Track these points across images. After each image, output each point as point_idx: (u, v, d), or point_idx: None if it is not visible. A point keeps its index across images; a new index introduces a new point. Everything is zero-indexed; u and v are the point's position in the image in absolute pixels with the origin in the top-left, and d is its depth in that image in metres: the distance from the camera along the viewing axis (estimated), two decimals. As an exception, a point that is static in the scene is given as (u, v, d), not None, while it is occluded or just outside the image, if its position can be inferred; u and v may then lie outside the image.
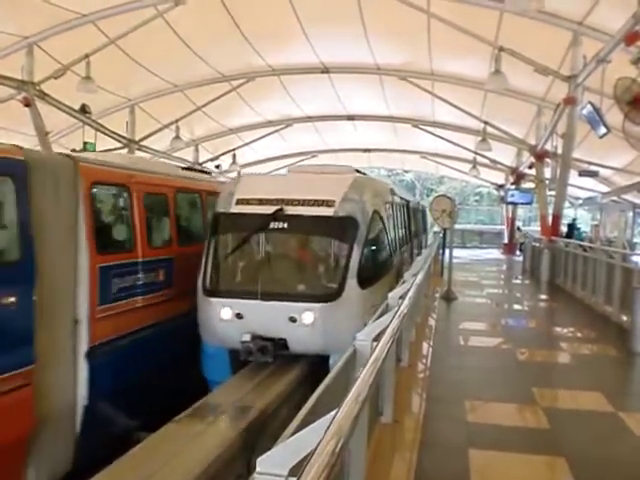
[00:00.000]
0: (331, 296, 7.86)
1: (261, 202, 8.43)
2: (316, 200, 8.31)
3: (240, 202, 8.60)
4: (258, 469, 1.88)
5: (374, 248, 9.13)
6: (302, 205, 8.25)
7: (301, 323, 7.67)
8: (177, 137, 23.10)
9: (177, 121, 22.12)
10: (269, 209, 8.23)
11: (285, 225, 8.16)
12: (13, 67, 15.53)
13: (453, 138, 25.93)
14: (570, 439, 5.12)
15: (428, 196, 44.10)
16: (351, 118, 26.58)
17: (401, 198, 13.94)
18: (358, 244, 8.15)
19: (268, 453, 1.99)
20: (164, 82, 20.63)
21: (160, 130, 21.98)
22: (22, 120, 16.30)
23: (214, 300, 8.06)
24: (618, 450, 4.92)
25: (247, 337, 7.72)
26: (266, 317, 7.78)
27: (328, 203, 8.27)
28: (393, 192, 12.00)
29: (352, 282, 7.93)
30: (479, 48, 15.99)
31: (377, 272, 9.04)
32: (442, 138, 26.00)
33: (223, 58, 19.39)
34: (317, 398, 2.96)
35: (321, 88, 22.32)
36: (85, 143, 16.55)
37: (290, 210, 8.19)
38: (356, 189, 8.61)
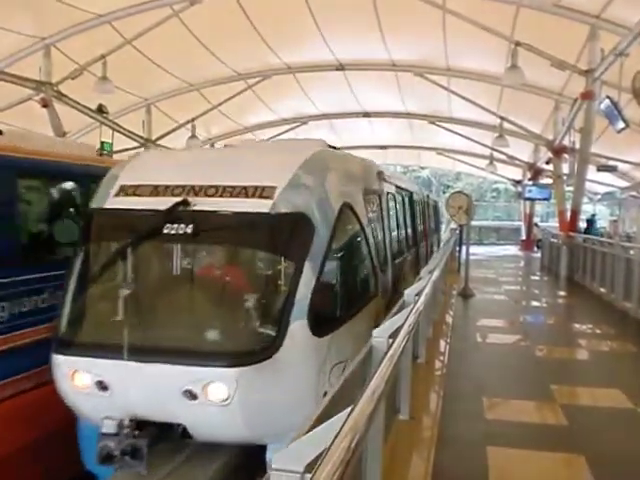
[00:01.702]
0: (259, 352, 4.82)
1: (156, 191, 5.50)
2: (244, 187, 5.34)
3: (123, 191, 5.66)
4: (274, 466, 1.88)
5: (344, 264, 6.02)
6: (220, 195, 5.34)
7: (206, 401, 4.72)
8: (193, 136, 23.18)
9: (193, 120, 22.20)
10: (166, 202, 5.29)
11: (188, 229, 5.16)
12: (31, 68, 15.69)
13: (470, 134, 25.79)
14: (589, 436, 5.08)
15: (444, 193, 43.89)
16: (367, 115, 26.54)
17: (398, 187, 10.59)
18: (313, 260, 5.15)
19: (284, 450, 2.00)
20: (180, 81, 20.74)
21: (176, 129, 22.08)
22: (41, 121, 16.44)
23: (62, 359, 5.09)
24: (638, 447, 4.87)
25: (110, 425, 4.82)
26: (146, 390, 4.83)
27: (263, 192, 5.29)
28: (383, 177, 8.55)
29: (299, 325, 4.95)
30: (495, 43, 15.91)
31: (349, 304, 5.99)
32: (458, 134, 25.87)
33: (239, 57, 19.44)
34: (333, 395, 2.96)
35: (336, 85, 22.31)
36: (102, 143, 16.68)
37: (200, 204, 5.27)
38: (313, 170, 5.64)
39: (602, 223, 30.15)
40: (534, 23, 14.63)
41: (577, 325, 10.96)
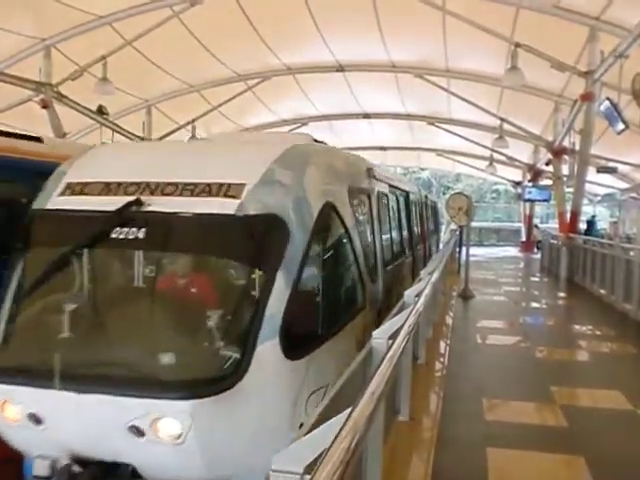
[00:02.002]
0: (220, 381, 4.07)
1: (107, 189, 4.76)
2: (207, 185, 4.63)
3: (69, 190, 4.94)
4: (274, 467, 1.88)
5: (325, 273, 5.27)
6: (180, 194, 4.61)
7: (155, 438, 4.01)
8: (193, 137, 23.17)
9: (193, 121, 22.21)
10: (117, 202, 4.57)
11: (140, 234, 4.45)
12: (31, 69, 15.70)
13: (469, 135, 25.81)
14: (589, 437, 5.08)
15: (445, 194, 43.90)
16: (367, 116, 26.56)
17: (392, 187, 9.79)
18: (287, 269, 4.43)
19: (284, 451, 2.00)
20: (180, 82, 20.76)
21: (177, 130, 22.10)
22: (40, 122, 16.45)
23: None
24: (637, 449, 4.87)
25: (42, 467, 4.21)
26: (85, 424, 4.09)
27: (229, 190, 4.57)
28: (373, 175, 7.69)
29: (269, 347, 4.21)
30: (495, 44, 15.92)
31: (330, 319, 5.18)
32: (458, 135, 25.89)
33: (239, 58, 19.46)
34: (333, 396, 2.96)
35: (336, 86, 22.33)
36: (103, 144, 16.71)
37: (155, 204, 4.56)
38: (289, 165, 4.90)
39: (602, 224, 30.16)
40: (534, 24, 14.64)
41: (577, 326, 10.95)
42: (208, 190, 4.61)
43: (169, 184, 4.68)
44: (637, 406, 5.85)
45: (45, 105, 16.49)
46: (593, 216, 27.28)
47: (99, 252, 4.79)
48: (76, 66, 16.49)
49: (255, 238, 4.66)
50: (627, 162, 23.29)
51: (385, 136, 30.08)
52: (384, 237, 8.14)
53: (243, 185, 4.60)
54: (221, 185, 4.62)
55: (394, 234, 9.63)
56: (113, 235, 4.47)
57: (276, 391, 4.34)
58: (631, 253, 11.68)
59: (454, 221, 14.34)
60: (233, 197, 4.54)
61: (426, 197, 17.32)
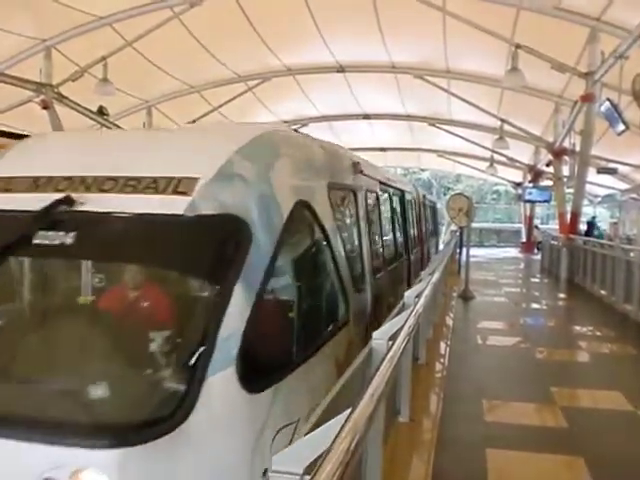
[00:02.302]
0: (157, 423, 3.16)
1: (35, 185, 3.94)
2: (154, 180, 3.82)
3: None
4: (274, 467, 1.88)
5: (297, 285, 4.58)
6: (120, 190, 3.81)
7: None
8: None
9: (194, 122, 22.18)
10: (46, 199, 3.72)
11: (68, 238, 3.62)
12: (32, 70, 15.71)
13: (470, 136, 25.80)
14: (589, 439, 5.08)
15: (445, 195, 43.91)
16: (367, 117, 26.56)
17: (385, 184, 9.01)
18: (247, 281, 3.58)
19: (284, 451, 2.00)
20: (180, 83, 20.77)
21: (177, 131, 22.05)
22: (41, 122, 16.45)
23: None
24: (638, 449, 4.87)
25: None
26: None
27: (178, 186, 3.78)
28: (360, 170, 6.83)
29: (223, 378, 3.34)
30: (495, 45, 15.93)
31: (304, 339, 4.35)
32: (459, 136, 25.88)
33: (239, 59, 19.47)
34: (333, 398, 2.97)
35: (337, 87, 22.34)
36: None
37: (89, 202, 3.75)
38: (254, 157, 4.13)
39: (603, 225, 30.17)
40: (534, 25, 14.64)
41: (577, 327, 10.95)
42: (154, 186, 3.78)
43: (109, 179, 3.83)
44: (637, 407, 5.85)
45: (46, 106, 16.50)
46: (593, 217, 27.32)
47: (17, 261, 4.02)
48: (76, 67, 16.50)
49: (208, 243, 3.80)
50: (627, 163, 23.29)
51: (385, 137, 30.07)
52: (373, 241, 7.33)
53: (196, 179, 3.76)
54: (170, 180, 3.78)
55: (386, 237, 8.90)
56: (36, 240, 3.59)
57: (231, 433, 3.40)
58: (631, 254, 11.69)
59: (454, 222, 14.35)
60: (183, 194, 3.70)
61: (424, 197, 16.69)
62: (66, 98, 16.66)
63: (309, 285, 4.90)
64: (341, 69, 20.99)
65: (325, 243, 5.03)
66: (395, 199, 10.30)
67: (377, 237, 7.87)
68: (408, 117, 26.33)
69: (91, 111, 17.65)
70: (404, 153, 33.57)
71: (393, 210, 9.98)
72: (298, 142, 5.37)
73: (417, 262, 11.99)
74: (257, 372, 3.54)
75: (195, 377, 3.25)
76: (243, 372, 3.37)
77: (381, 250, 8.09)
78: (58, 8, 14.18)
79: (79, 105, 17.12)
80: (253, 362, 3.49)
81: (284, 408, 3.68)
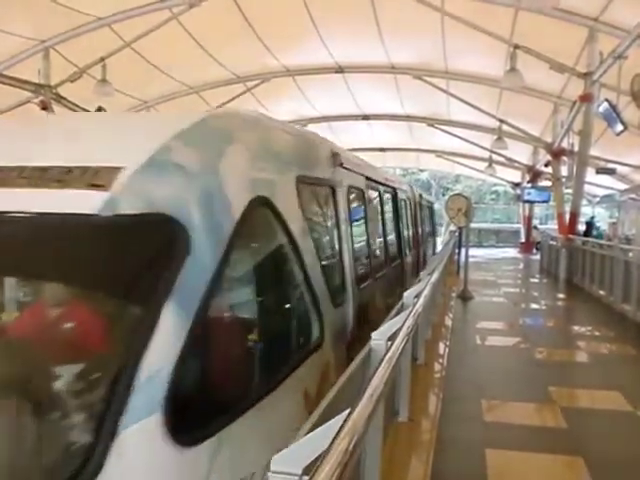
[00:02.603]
0: None
1: None
2: (68, 170, 2.97)
3: None
4: (272, 468, 1.87)
5: (252, 303, 3.73)
6: (29, 184, 2.97)
7: None
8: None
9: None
10: None
11: None
12: (30, 71, 15.71)
13: (469, 137, 25.82)
14: (588, 439, 5.08)
15: (444, 195, 43.95)
16: (366, 118, 26.56)
17: (372, 181, 7.87)
18: (183, 301, 2.74)
19: (282, 452, 1.99)
20: (179, 84, 20.76)
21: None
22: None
23: None
24: (636, 449, 4.87)
25: None
26: None
27: (96, 177, 2.93)
28: (340, 163, 5.74)
29: (144, 428, 2.45)
30: (494, 46, 15.94)
31: (258, 372, 3.59)
32: (457, 137, 25.90)
33: (237, 59, 19.47)
34: (332, 398, 2.96)
35: (336, 88, 22.35)
36: None
37: None
38: (198, 143, 3.35)
39: (602, 226, 30.21)
40: (533, 26, 14.65)
41: (576, 327, 10.97)
42: (65, 177, 2.92)
43: (11, 169, 3.00)
44: (636, 407, 5.85)
45: (44, 107, 16.48)
46: (592, 217, 27.34)
47: None
48: (75, 68, 16.49)
49: (128, 252, 2.94)
50: (626, 163, 23.32)
51: (384, 137, 30.08)
52: (358, 245, 6.49)
53: (118, 169, 2.91)
54: (85, 170, 2.93)
55: (374, 241, 7.88)
56: None
57: None
58: (630, 254, 11.69)
59: (453, 222, 14.35)
60: (99, 188, 2.86)
61: (420, 196, 15.79)
62: (64, 99, 16.65)
63: (268, 302, 3.93)
64: (340, 70, 21.00)
65: (291, 249, 4.04)
66: (386, 198, 9.31)
67: (363, 241, 7.01)
68: (407, 117, 26.34)
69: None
70: (403, 153, 33.60)
71: (383, 210, 8.88)
72: (258, 125, 4.35)
73: (412, 267, 11.27)
74: (193, 419, 2.72)
75: (104, 429, 2.42)
76: (173, 420, 2.53)
77: (367, 256, 7.02)
78: (57, 9, 14.18)
79: (77, 106, 17.11)
80: (187, 406, 2.69)
81: (231, 462, 2.85)
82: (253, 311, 3.75)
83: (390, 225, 9.56)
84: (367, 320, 5.79)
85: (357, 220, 6.79)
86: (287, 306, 4.26)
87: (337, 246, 5.54)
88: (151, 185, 2.95)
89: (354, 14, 16.28)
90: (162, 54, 17.26)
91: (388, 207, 9.56)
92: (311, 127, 26.87)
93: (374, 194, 8.25)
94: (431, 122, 25.68)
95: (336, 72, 21.09)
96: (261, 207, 3.67)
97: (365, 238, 7.11)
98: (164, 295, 2.71)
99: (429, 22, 15.90)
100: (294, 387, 3.65)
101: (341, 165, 5.81)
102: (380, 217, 8.69)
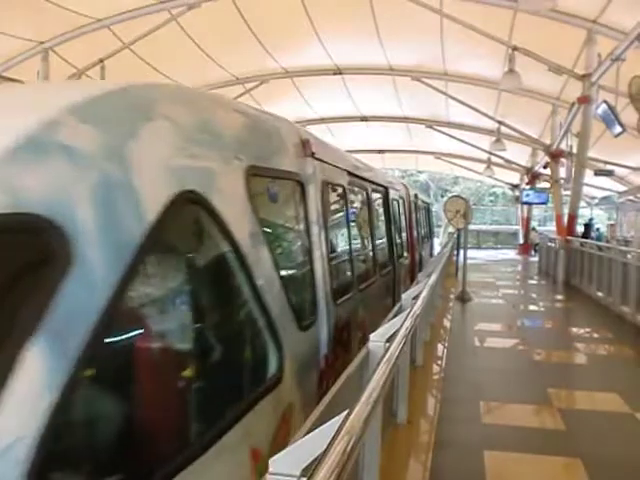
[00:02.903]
0: None
1: None
2: None
3: None
4: (271, 469, 1.87)
5: (170, 340, 2.73)
6: None
7: None
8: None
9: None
10: None
11: None
12: (29, 72, 15.70)
13: (467, 138, 25.86)
14: (586, 440, 5.08)
15: (442, 197, 43.99)
16: (364, 119, 26.58)
17: (355, 177, 6.85)
18: (56, 341, 1.86)
19: (281, 453, 1.99)
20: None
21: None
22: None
23: None
24: (635, 451, 4.87)
25: None
26: None
27: None
28: (311, 152, 4.78)
29: None
30: (492, 48, 15.95)
31: (179, 434, 2.56)
32: (456, 138, 25.93)
33: (236, 61, 19.47)
34: (330, 400, 2.97)
35: (334, 89, 22.36)
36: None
37: None
38: (98, 120, 2.41)
39: (601, 227, 30.27)
40: (531, 28, 14.67)
41: (574, 329, 10.97)
42: None
43: None
44: (634, 409, 5.86)
45: (43, 108, 16.48)
46: (590, 219, 27.38)
47: None
48: (74, 69, 16.48)
49: None
50: (624, 165, 23.35)
51: (383, 139, 30.12)
52: (336, 252, 5.74)
53: None
54: None
55: (359, 246, 7.15)
56: None
57: None
58: (628, 256, 11.71)
59: (452, 224, 14.36)
60: None
61: (416, 196, 14.92)
62: (63, 100, 16.65)
63: (197, 330, 2.90)
64: (338, 71, 21.01)
65: (234, 259, 3.14)
66: (375, 197, 8.36)
67: (343, 247, 6.15)
68: (406, 119, 26.36)
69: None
70: (402, 155, 33.62)
71: (371, 211, 7.83)
72: (193, 100, 3.44)
73: (405, 273, 10.53)
74: None
75: None
76: None
77: (350, 264, 6.11)
78: (56, 11, 14.18)
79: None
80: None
81: None
82: (173, 343, 2.78)
83: (380, 228, 8.66)
84: (349, 340, 5.17)
85: (335, 223, 5.98)
86: (226, 334, 3.14)
87: (306, 254, 4.63)
88: (20, 175, 2.09)
89: (353, 16, 16.29)
90: (161, 56, 17.26)
91: (377, 208, 8.63)
92: (310, 129, 26.88)
93: (359, 192, 7.39)
94: (430, 124, 25.70)
95: (335, 74, 21.10)
96: (190, 205, 2.81)
97: (346, 243, 6.22)
98: (27, 329, 1.88)
99: (428, 24, 15.92)
100: (234, 446, 2.76)
101: (313, 156, 4.81)
102: (367, 219, 7.63)
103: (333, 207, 5.92)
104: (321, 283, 4.64)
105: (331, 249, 5.33)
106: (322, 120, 26.68)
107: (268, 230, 3.86)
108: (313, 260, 4.66)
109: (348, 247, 6.21)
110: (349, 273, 6.07)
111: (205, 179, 2.99)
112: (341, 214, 6.28)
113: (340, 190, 6.13)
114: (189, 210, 2.83)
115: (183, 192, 2.70)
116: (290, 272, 4.34)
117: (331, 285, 4.84)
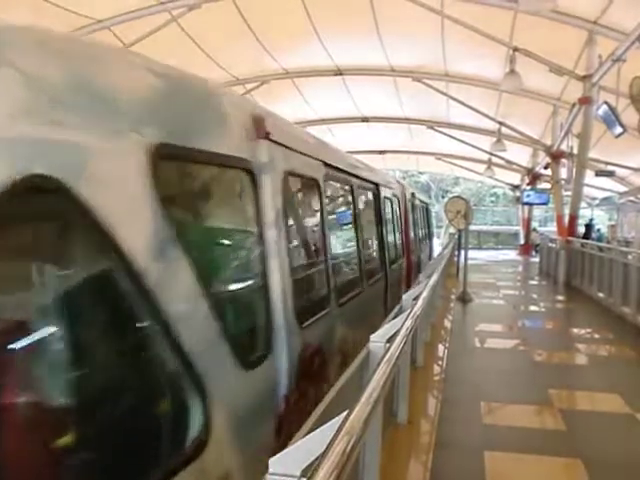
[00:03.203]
0: None
1: None
2: None
3: None
4: (271, 470, 1.87)
5: (32, 395, 1.91)
6: None
7: None
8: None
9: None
10: None
11: None
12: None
13: (468, 139, 25.83)
14: (587, 441, 5.08)
15: (444, 197, 43.99)
16: (365, 120, 26.56)
17: (336, 169, 5.75)
18: None
19: (281, 454, 1.99)
20: (179, 86, 20.75)
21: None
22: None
23: None
24: (635, 452, 4.87)
25: None
26: None
27: None
28: (263, 132, 3.59)
29: None
30: (493, 48, 15.94)
31: None
32: (457, 139, 25.91)
33: (237, 61, 19.47)
34: (330, 400, 2.96)
35: (335, 90, 22.35)
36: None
37: None
38: None
39: (602, 228, 30.26)
40: (532, 29, 14.65)
41: (575, 330, 10.96)
42: None
43: None
44: (635, 409, 5.85)
45: (44, 109, 16.48)
46: (591, 219, 27.37)
47: None
48: (75, 70, 16.51)
49: None
50: (625, 165, 23.33)
51: (384, 140, 30.10)
52: (304, 262, 4.82)
53: None
54: None
55: (338, 252, 6.28)
56: None
57: None
58: (629, 257, 11.70)
59: (453, 224, 14.35)
60: None
61: (413, 195, 13.95)
62: (64, 101, 16.66)
63: (74, 380, 2.13)
64: (339, 72, 21.00)
65: (123, 276, 2.25)
66: (362, 195, 7.40)
67: (314, 254, 5.08)
68: (406, 120, 26.33)
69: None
70: (402, 156, 33.60)
71: (356, 211, 6.74)
72: (66, 49, 2.56)
73: (400, 279, 9.76)
74: None
75: None
76: None
77: (324, 275, 4.99)
78: (56, 11, 14.20)
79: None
80: None
81: None
82: (40, 401, 2.04)
83: (368, 230, 7.63)
84: (322, 371, 4.31)
85: (304, 224, 5.06)
86: (111, 387, 2.25)
87: (256, 266, 3.62)
88: None
89: (353, 16, 16.28)
90: (162, 56, 16.87)
91: (365, 207, 7.69)
92: (310, 129, 26.91)
93: (341, 189, 6.47)
94: (431, 124, 25.68)
95: (335, 74, 21.10)
96: (38, 197, 1.97)
97: (320, 250, 5.11)
98: None
99: (429, 25, 15.91)
100: None
101: (269, 138, 3.67)
102: (351, 220, 6.64)
103: (301, 205, 5.06)
104: (279, 303, 3.60)
105: (297, 258, 4.53)
106: (323, 121, 26.67)
107: (192, 235, 2.93)
108: (267, 273, 3.60)
109: (323, 254, 5.08)
110: (323, 286, 4.93)
111: (70, 159, 2.09)
112: (313, 213, 5.24)
113: (311, 184, 4.99)
114: (36, 204, 1.98)
115: (29, 177, 1.88)
116: (229, 291, 3.38)
117: (294, 304, 3.81)
